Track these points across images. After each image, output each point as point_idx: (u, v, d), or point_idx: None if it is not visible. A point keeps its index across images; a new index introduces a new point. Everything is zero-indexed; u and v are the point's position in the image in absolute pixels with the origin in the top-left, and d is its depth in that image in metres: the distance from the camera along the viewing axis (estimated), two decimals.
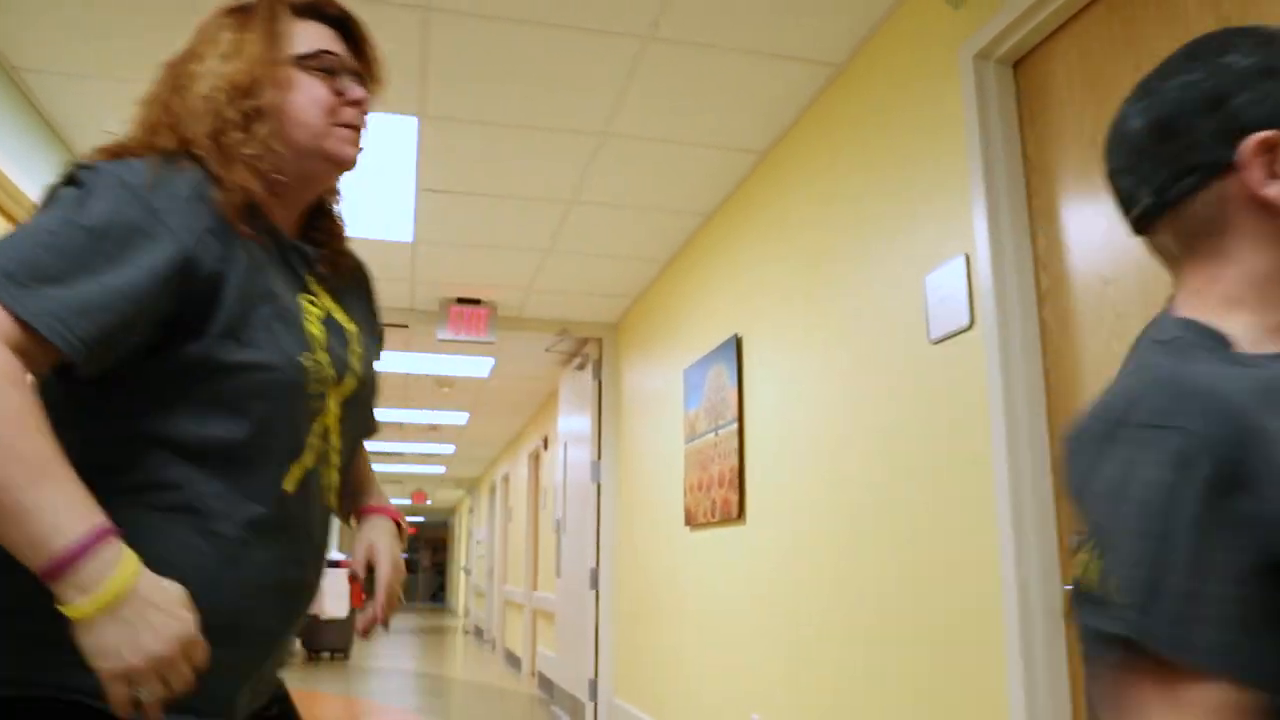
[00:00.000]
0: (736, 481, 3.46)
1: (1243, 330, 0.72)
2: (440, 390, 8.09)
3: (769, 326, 3.34)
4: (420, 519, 26.55)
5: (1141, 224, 0.78)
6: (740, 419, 3.50)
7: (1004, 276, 2.06)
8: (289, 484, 1.02)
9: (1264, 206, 0.71)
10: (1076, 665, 1.86)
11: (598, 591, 5.43)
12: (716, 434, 3.71)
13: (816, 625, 2.82)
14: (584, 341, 5.96)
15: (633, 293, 5.22)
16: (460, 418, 9.57)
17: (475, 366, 7.12)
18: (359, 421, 1.17)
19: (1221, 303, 0.74)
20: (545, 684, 7.30)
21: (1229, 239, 0.73)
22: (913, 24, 2.49)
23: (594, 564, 5.47)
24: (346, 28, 1.15)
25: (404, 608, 23.24)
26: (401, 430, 10.43)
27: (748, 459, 3.44)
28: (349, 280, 1.24)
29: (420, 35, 2.73)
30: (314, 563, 1.11)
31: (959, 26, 2.27)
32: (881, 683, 2.43)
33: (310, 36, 1.10)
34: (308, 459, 1.05)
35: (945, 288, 2.22)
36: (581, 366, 6.05)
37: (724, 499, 3.57)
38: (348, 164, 1.13)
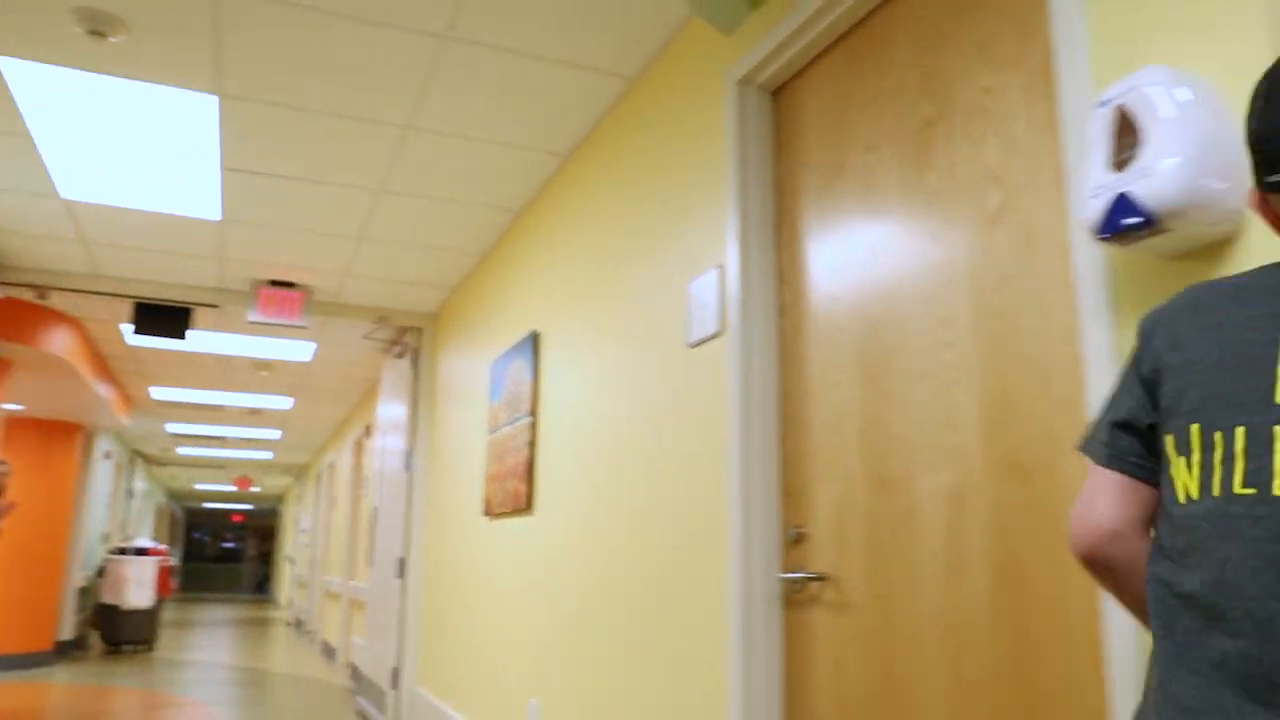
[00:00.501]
0: (527, 473, 3.55)
1: None
2: (259, 373, 7.84)
3: (563, 324, 3.44)
4: (248, 507, 25.48)
5: None
6: (534, 413, 3.59)
7: (750, 288, 2.22)
8: None
9: None
10: (792, 645, 2.04)
11: (405, 581, 5.42)
12: (514, 426, 3.79)
13: (588, 612, 2.94)
14: (404, 330, 5.93)
15: (451, 283, 5.23)
16: (284, 402, 9.29)
17: (296, 350, 6.95)
18: None
19: None
20: (355, 674, 7.21)
21: None
22: (694, 46, 2.64)
23: (403, 553, 5.46)
24: None
25: (226, 598, 22.27)
26: (221, 413, 10.04)
27: (539, 451, 3.53)
28: None
29: (211, 11, 2.69)
30: None
31: (729, 52, 2.43)
32: (640, 663, 2.57)
33: None
34: None
35: (703, 296, 2.38)
36: (401, 355, 6.01)
37: (516, 490, 3.66)
38: None
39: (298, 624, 13.62)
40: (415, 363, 5.73)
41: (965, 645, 1.56)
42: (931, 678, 1.63)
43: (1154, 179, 1.09)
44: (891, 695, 1.72)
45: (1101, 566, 0.92)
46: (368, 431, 8.12)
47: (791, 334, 2.16)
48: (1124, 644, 1.23)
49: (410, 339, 5.83)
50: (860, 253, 1.95)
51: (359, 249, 4.65)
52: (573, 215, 3.49)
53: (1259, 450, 0.76)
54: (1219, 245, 1.14)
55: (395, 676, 5.31)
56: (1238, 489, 0.76)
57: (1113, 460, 0.92)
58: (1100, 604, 1.32)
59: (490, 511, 4.04)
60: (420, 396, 5.64)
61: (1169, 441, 0.84)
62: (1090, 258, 1.32)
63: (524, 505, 3.57)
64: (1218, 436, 0.79)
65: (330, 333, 6.40)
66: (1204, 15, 1.20)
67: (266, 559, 26.14)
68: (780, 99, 2.33)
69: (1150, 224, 1.09)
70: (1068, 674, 1.37)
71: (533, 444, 3.57)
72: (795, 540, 2.07)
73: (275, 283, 5.17)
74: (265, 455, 14.08)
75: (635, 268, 2.87)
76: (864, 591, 1.82)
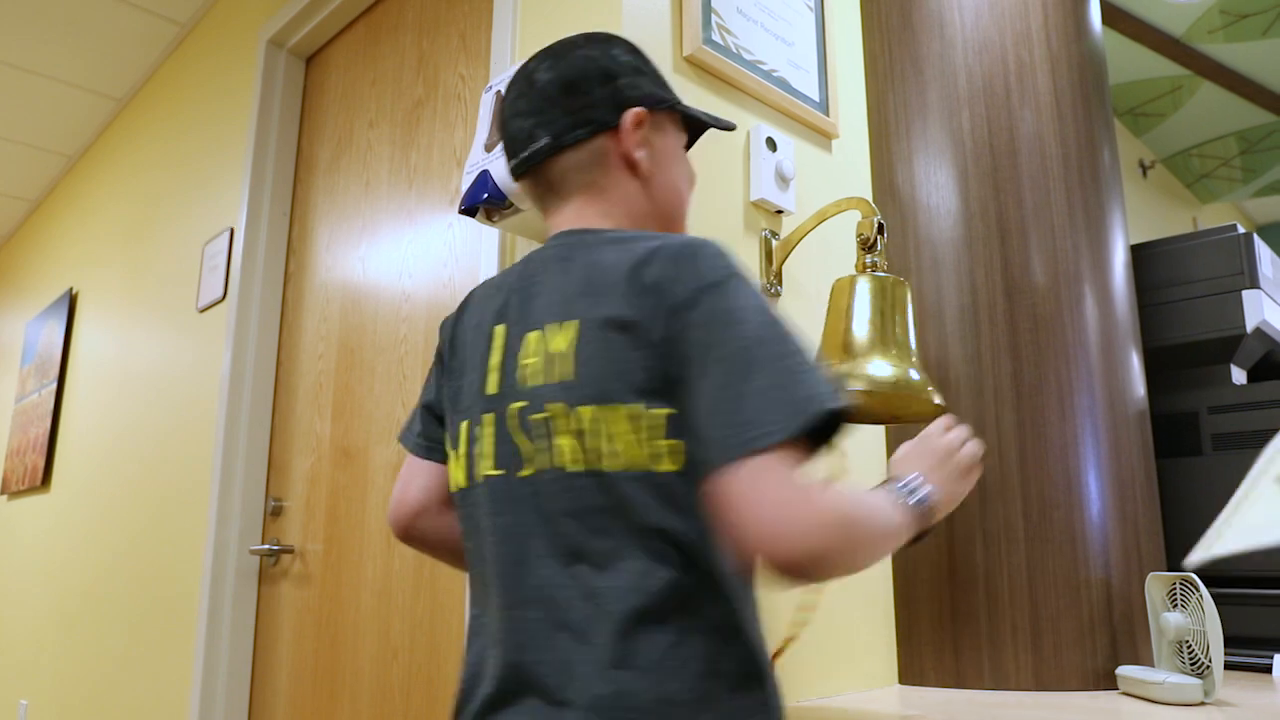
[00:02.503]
0: (46, 446, 3.18)
1: None
2: None
3: (101, 283, 3.13)
4: None
5: (530, 160, 0.90)
6: (61, 379, 3.22)
7: (255, 255, 2.14)
8: None
9: (631, 164, 0.90)
10: (263, 620, 1.97)
11: None
12: (40, 394, 3.38)
13: (89, 599, 2.67)
14: None
15: (1, 232, 4.59)
16: None
17: None
18: None
19: (615, 223, 0.90)
20: None
21: (608, 180, 0.90)
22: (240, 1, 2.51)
23: None
24: None
25: None
26: None
27: (61, 422, 3.17)
28: None
29: None
30: None
31: (266, 10, 2.33)
32: (128, 653, 2.37)
33: None
34: None
35: (215, 259, 2.25)
36: None
37: (33, 464, 3.26)
38: None
39: None
40: None
41: (394, 610, 1.59)
42: (364, 642, 1.64)
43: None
44: (333, 662, 1.71)
45: (415, 540, 0.96)
46: None
47: (293, 304, 2.10)
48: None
49: None
50: (355, 226, 1.94)
51: None
52: (122, 166, 3.18)
53: (472, 441, 0.84)
54: None
55: None
56: (477, 477, 0.83)
57: (406, 441, 0.97)
58: None
59: (8, 489, 3.57)
60: None
61: (447, 438, 0.90)
62: (494, 237, 1.39)
63: (40, 482, 3.18)
64: (462, 428, 0.86)
65: None
66: (587, 24, 1.32)
67: None
68: (312, 67, 2.27)
69: (500, 200, 1.16)
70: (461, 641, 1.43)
71: (56, 414, 3.20)
72: (274, 513, 2.00)
73: None
74: None
75: (165, 226, 2.67)
76: (323, 563, 1.80)
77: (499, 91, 1.23)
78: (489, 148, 1.20)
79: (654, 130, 0.93)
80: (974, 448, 0.97)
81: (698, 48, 1.33)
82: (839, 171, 1.60)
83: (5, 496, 3.63)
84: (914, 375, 1.13)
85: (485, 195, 1.16)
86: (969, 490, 0.98)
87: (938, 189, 1.60)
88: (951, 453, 0.95)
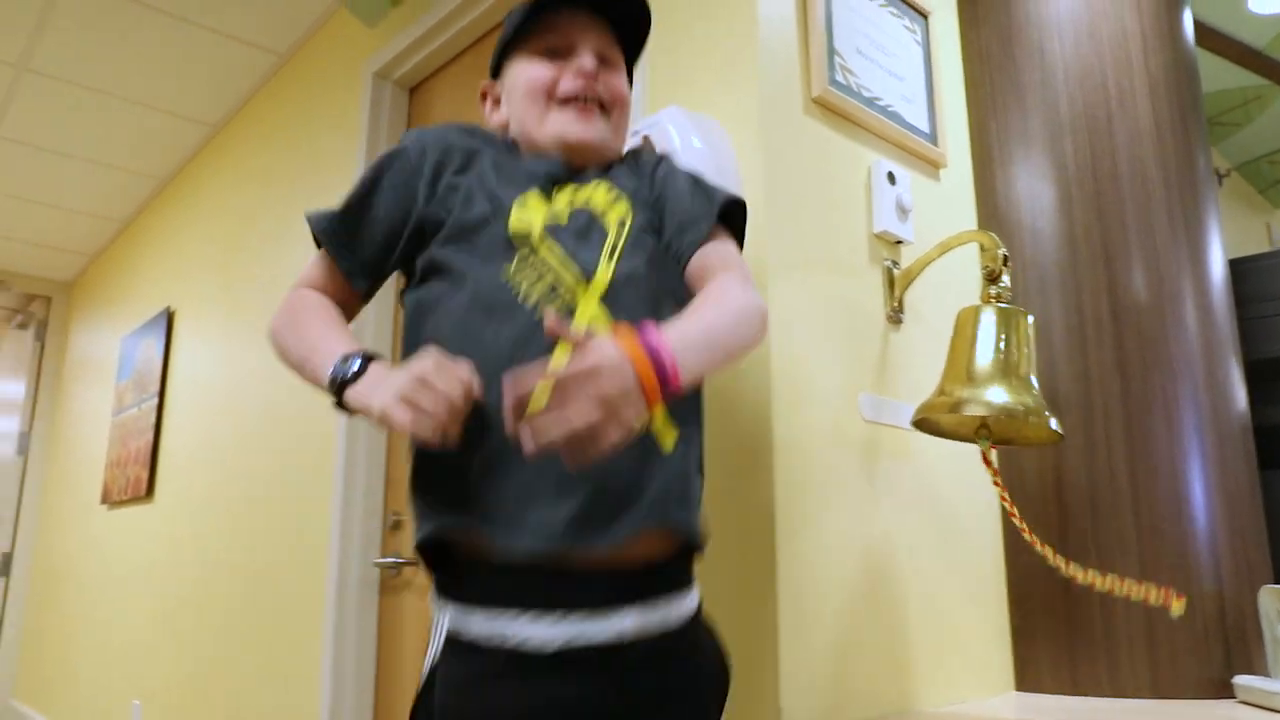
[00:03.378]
0: (149, 458, 3.32)
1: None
2: None
3: (198, 302, 3.26)
4: None
5: None
6: (162, 394, 3.37)
7: None
8: None
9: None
10: (385, 629, 2.08)
11: (8, 579, 4.83)
12: (139, 409, 3.53)
13: (199, 606, 2.80)
14: (30, 298, 5.31)
15: (89, 251, 4.76)
16: None
17: None
18: None
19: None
20: None
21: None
22: (341, 33, 2.62)
23: (9, 547, 4.87)
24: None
25: None
26: None
27: (163, 436, 3.32)
28: None
29: None
30: None
31: (371, 43, 2.43)
32: (242, 657, 2.49)
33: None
34: None
35: None
36: (24, 325, 5.37)
37: (136, 476, 3.41)
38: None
39: None
40: (41, 335, 5.14)
41: None
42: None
43: None
44: None
45: None
46: None
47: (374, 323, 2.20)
48: None
49: (38, 309, 5.23)
50: None
51: None
52: (218, 190, 3.32)
53: None
54: None
55: None
56: None
57: None
58: None
59: (109, 499, 3.73)
60: (45, 373, 5.07)
61: None
62: None
63: (144, 493, 3.33)
64: None
65: None
66: (720, 67, 1.40)
67: None
68: (416, 96, 2.37)
69: None
70: None
71: (157, 427, 3.34)
72: (394, 527, 2.11)
73: None
74: None
75: (268, 249, 2.79)
76: None
77: (646, 136, 1.31)
78: None
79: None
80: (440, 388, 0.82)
81: (824, 89, 1.41)
82: (947, 199, 1.66)
83: (106, 506, 3.79)
84: (1031, 402, 1.19)
85: None
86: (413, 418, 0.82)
87: (1042, 214, 1.67)
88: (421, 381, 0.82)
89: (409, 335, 0.99)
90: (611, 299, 0.93)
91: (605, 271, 0.95)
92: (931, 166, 1.64)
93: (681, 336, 0.84)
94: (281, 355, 1.03)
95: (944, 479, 1.51)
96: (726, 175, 1.29)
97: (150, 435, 3.34)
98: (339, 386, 0.91)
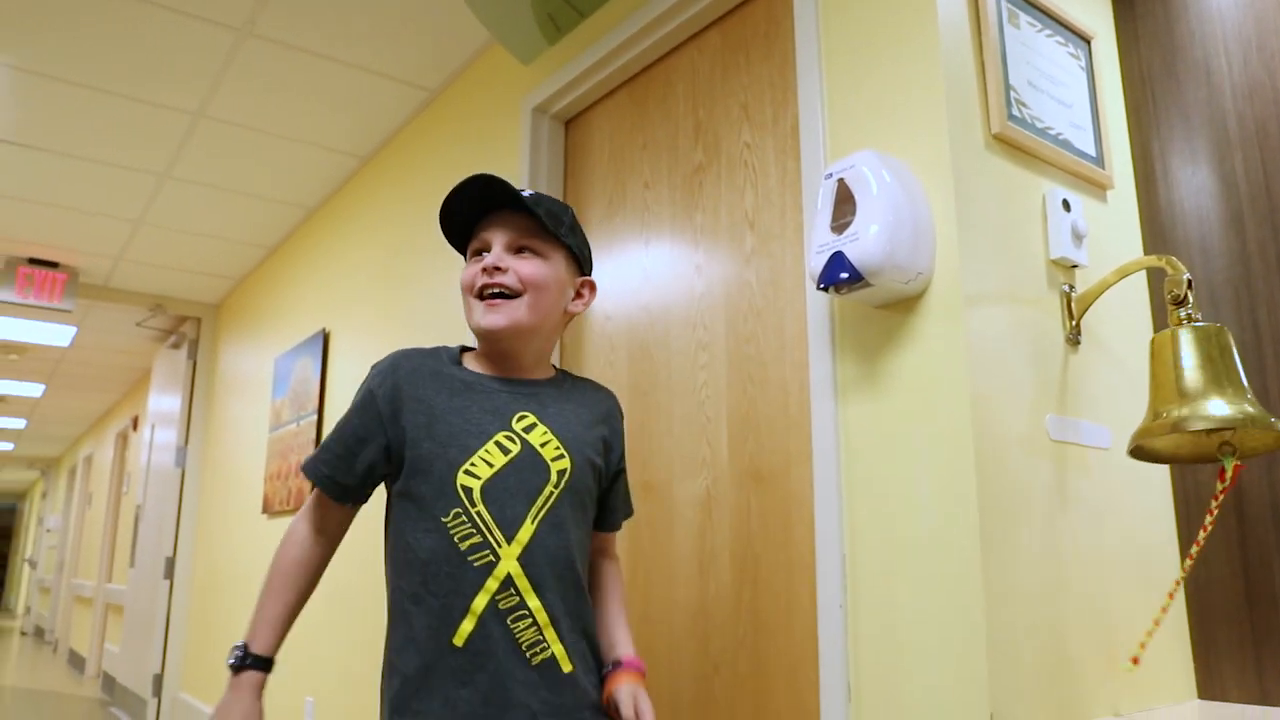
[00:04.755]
0: None
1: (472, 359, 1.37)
2: (7, 357, 7.21)
3: (353, 324, 3.47)
4: None
5: None
6: (320, 410, 3.59)
7: None
8: None
9: None
10: None
11: (172, 581, 5.18)
12: (298, 424, 3.76)
13: (364, 608, 3.00)
14: (182, 320, 5.67)
15: (236, 275, 5.07)
16: (34, 389, 8.56)
17: (52, 334, 6.45)
18: None
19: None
20: (108, 684, 6.76)
21: None
22: (494, 69, 2.78)
23: (171, 553, 5.22)
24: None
25: None
26: None
27: None
28: None
29: None
30: None
31: (527, 79, 2.58)
32: None
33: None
34: None
35: None
36: (178, 345, 5.74)
37: (299, 487, 3.64)
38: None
39: (37, 633, 12.48)
40: (193, 354, 5.49)
41: (712, 629, 1.79)
42: (681, 658, 1.84)
43: (862, 242, 1.34)
44: (649, 674, 1.92)
45: None
46: (135, 424, 7.63)
47: (572, 349, 2.34)
48: (831, 627, 1.48)
49: (189, 329, 5.58)
50: (635, 278, 2.15)
51: (137, 233, 4.43)
52: (368, 218, 3.52)
53: None
54: (910, 299, 1.42)
55: (158, 683, 5.07)
56: None
57: None
58: (816, 595, 1.56)
59: (269, 509, 3.98)
60: (197, 389, 5.42)
61: None
62: (819, 301, 1.57)
63: None
64: None
65: (94, 318, 6.00)
66: (905, 113, 1.48)
67: (1, 563, 23.62)
68: (571, 129, 2.50)
69: (858, 279, 1.34)
70: (789, 656, 1.61)
71: (318, 441, 3.56)
72: None
73: (34, 261, 4.83)
74: (4, 446, 12.82)
75: (425, 277, 2.96)
76: (631, 587, 2.01)
77: (841, 179, 1.40)
78: (837, 230, 1.38)
79: None
80: None
81: (1004, 125, 1.48)
82: (1114, 221, 1.71)
83: (266, 515, 4.05)
84: (1253, 410, 1.24)
85: (844, 275, 1.33)
86: None
87: (1211, 231, 1.70)
88: None
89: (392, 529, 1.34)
90: (527, 556, 1.21)
91: (527, 531, 1.21)
92: (1099, 190, 1.69)
93: (629, 645, 1.36)
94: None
95: (1123, 493, 1.56)
96: (919, 211, 1.37)
97: (311, 449, 3.57)
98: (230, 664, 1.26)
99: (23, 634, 13.01)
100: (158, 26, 2.76)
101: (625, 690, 1.25)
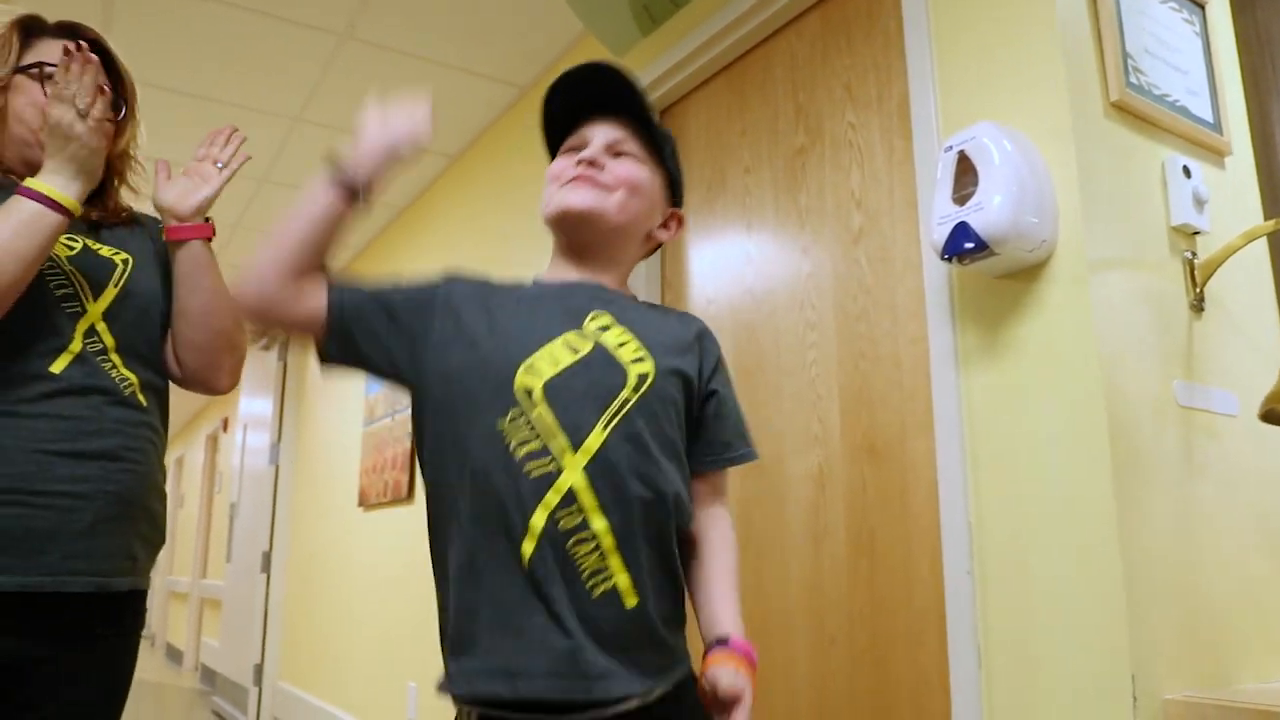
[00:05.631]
0: (407, 463, 3.65)
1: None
2: None
3: None
4: None
5: None
6: None
7: (638, 290, 2.43)
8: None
9: None
10: None
11: (269, 575, 5.36)
12: (393, 418, 3.87)
13: None
14: None
15: None
16: None
17: None
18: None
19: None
20: (208, 676, 7.01)
21: None
22: (584, 61, 2.82)
23: (267, 548, 5.40)
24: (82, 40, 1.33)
25: None
26: None
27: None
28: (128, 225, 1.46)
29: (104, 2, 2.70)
30: None
31: None
32: None
33: (40, 51, 1.35)
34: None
35: None
36: (267, 347, 5.93)
37: (395, 480, 3.75)
38: None
39: None
40: (283, 355, 5.67)
41: (827, 604, 1.81)
42: (797, 633, 1.87)
43: (987, 212, 1.36)
44: (764, 649, 1.95)
45: None
46: (225, 426, 7.90)
47: None
48: (959, 594, 1.49)
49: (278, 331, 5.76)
50: (737, 262, 2.18)
51: (234, 236, 4.60)
52: (458, 214, 3.61)
53: None
54: (1033, 268, 1.43)
55: (258, 673, 5.25)
56: None
57: None
58: (941, 568, 1.58)
59: (365, 502, 4.10)
60: (289, 389, 5.59)
61: None
62: (936, 274, 1.59)
63: (404, 495, 3.66)
64: None
65: None
66: (1022, 84, 1.49)
67: None
68: (666, 119, 2.54)
69: (983, 248, 1.35)
70: (910, 627, 1.63)
71: (414, 436, 3.66)
72: None
73: None
74: None
75: (517, 269, 3.02)
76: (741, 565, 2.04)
77: (961, 151, 1.42)
78: (959, 201, 1.39)
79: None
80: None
81: (1122, 93, 1.48)
82: (1233, 186, 1.69)
83: (362, 509, 4.18)
84: None
85: (969, 245, 1.35)
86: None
87: None
88: None
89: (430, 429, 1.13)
90: (595, 467, 1.01)
91: (596, 439, 1.01)
92: (1217, 156, 1.67)
93: (737, 622, 1.09)
94: (271, 264, 1.07)
95: (1252, 459, 1.54)
96: (1040, 180, 1.38)
97: (407, 443, 3.67)
98: (338, 173, 1.10)
99: None
100: (261, 34, 2.88)
101: (726, 675, 1.02)
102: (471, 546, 1.02)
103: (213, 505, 8.27)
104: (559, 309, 1.11)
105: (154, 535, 1.37)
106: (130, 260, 1.39)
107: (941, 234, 1.41)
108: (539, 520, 0.98)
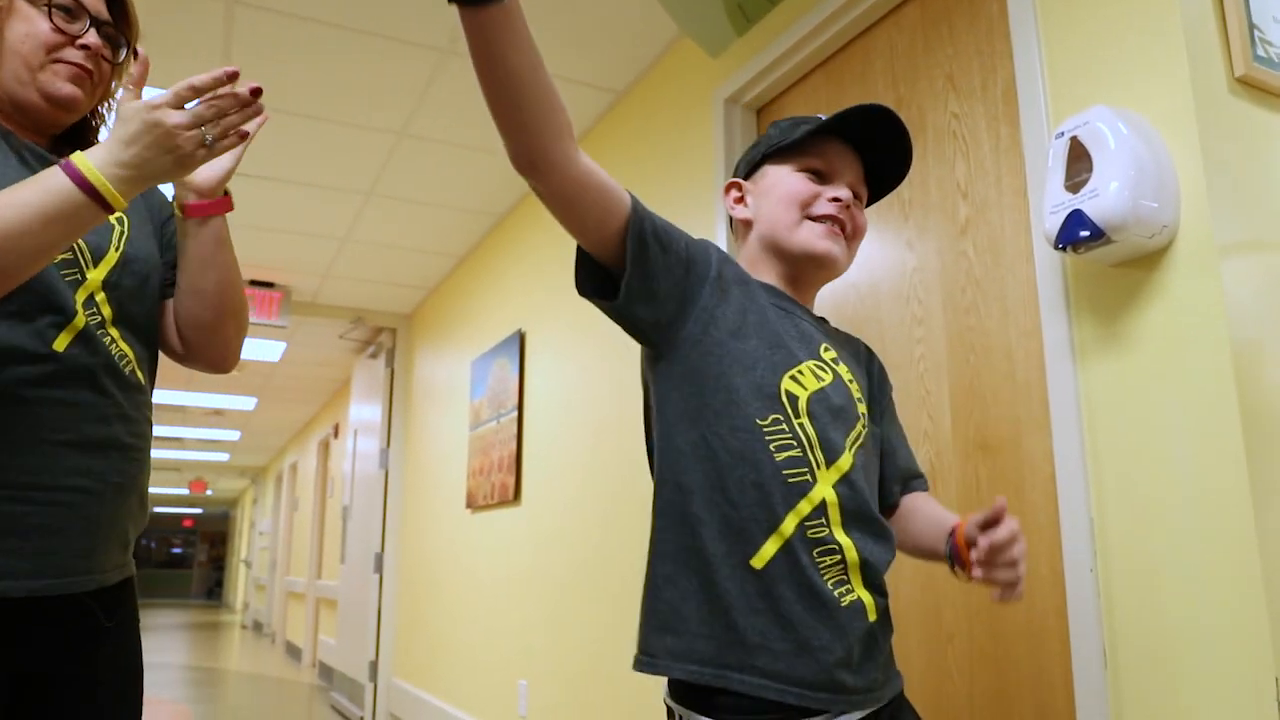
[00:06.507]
0: (514, 466, 3.73)
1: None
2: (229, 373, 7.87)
3: (548, 324, 3.62)
4: (198, 511, 25.11)
5: None
6: (520, 408, 3.76)
7: None
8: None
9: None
10: None
11: (381, 575, 5.54)
12: (498, 422, 3.96)
13: (573, 594, 3.13)
14: (378, 330, 6.05)
15: (428, 285, 5.37)
16: (248, 402, 9.31)
17: (265, 350, 7.01)
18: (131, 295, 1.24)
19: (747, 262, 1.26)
20: (325, 672, 7.29)
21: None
22: (681, 65, 2.85)
23: (379, 549, 5.58)
24: None
25: (173, 603, 21.94)
26: (183, 414, 10.00)
27: (525, 445, 3.71)
28: None
29: (224, 24, 2.83)
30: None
31: (716, 72, 2.63)
32: (621, 640, 2.76)
33: None
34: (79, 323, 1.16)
35: None
36: (375, 355, 6.12)
37: (502, 482, 3.83)
38: (57, 99, 1.17)
39: (256, 626, 13.56)
40: (389, 363, 5.85)
41: (944, 600, 1.78)
42: (915, 627, 1.84)
43: (1102, 199, 1.31)
44: None
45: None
46: (336, 432, 8.19)
47: None
48: (1081, 592, 1.45)
49: (385, 339, 5.95)
50: None
51: (343, 250, 4.77)
52: (552, 221, 3.66)
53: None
54: (1154, 254, 1.37)
55: (373, 670, 5.43)
56: None
57: None
58: (1061, 565, 1.54)
59: (473, 504, 4.20)
60: (395, 395, 5.77)
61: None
62: (1049, 264, 1.55)
63: (511, 497, 3.74)
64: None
65: (301, 332, 6.48)
66: (1138, 63, 1.43)
67: (219, 564, 25.79)
68: (764, 117, 2.54)
69: (1099, 236, 1.31)
70: (1030, 625, 1.59)
71: (519, 437, 3.74)
72: None
73: (254, 282, 5.27)
74: (221, 457, 14.00)
75: None
76: None
77: (1074, 137, 1.38)
78: (1072, 188, 1.35)
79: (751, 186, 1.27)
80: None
81: (1249, 67, 1.41)
82: None
83: (470, 510, 4.28)
84: None
85: (1085, 233, 1.31)
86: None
87: None
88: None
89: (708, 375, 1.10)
90: (845, 487, 1.07)
91: (847, 460, 1.09)
92: None
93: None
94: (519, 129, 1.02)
95: None
96: (1160, 163, 1.33)
97: (513, 445, 3.75)
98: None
99: (243, 627, 14.17)
100: (366, 53, 2.98)
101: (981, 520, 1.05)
102: (704, 534, 1.04)
103: (326, 509, 8.58)
104: (796, 332, 1.15)
105: (141, 513, 1.27)
106: (126, 221, 1.26)
107: (1054, 223, 1.37)
108: (790, 525, 1.03)
